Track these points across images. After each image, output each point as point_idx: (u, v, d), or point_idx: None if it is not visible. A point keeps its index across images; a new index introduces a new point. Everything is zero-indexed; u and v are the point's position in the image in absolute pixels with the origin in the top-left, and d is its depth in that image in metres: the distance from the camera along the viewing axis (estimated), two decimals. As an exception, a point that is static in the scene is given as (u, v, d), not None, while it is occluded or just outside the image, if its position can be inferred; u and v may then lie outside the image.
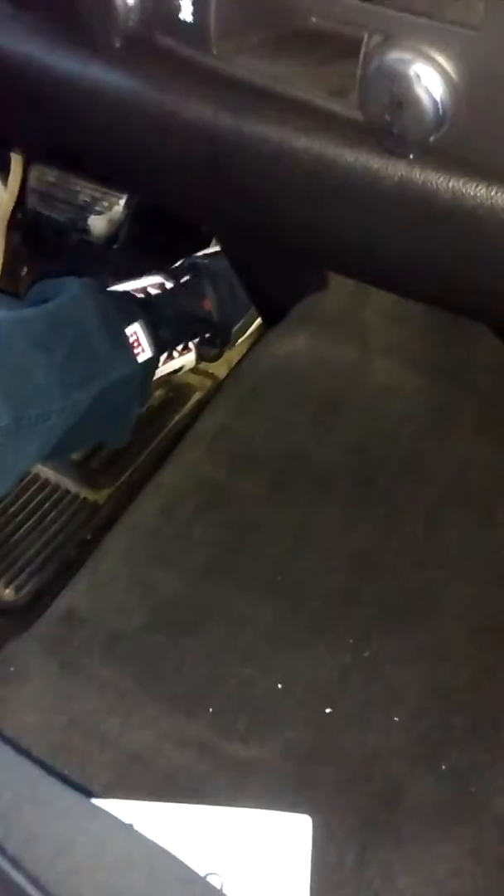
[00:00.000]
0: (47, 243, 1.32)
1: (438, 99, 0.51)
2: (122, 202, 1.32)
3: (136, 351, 1.09)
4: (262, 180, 0.69)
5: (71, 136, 0.83)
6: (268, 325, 1.23)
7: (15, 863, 0.47)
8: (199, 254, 1.27)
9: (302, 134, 0.62)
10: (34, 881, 0.51)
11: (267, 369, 1.12)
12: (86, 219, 1.32)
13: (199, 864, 0.74)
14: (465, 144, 0.56)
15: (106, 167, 0.87)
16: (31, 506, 1.11)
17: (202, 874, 0.70)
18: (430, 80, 0.52)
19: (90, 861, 0.57)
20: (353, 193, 0.63)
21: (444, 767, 0.79)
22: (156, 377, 1.17)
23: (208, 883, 0.65)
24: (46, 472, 1.13)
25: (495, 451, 1.02)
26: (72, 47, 0.73)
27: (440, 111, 0.52)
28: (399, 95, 0.52)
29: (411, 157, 0.56)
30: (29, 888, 0.48)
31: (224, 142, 0.67)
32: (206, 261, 1.24)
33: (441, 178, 0.59)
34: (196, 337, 1.22)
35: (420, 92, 0.52)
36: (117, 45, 0.69)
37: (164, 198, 0.95)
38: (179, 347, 1.21)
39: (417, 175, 0.59)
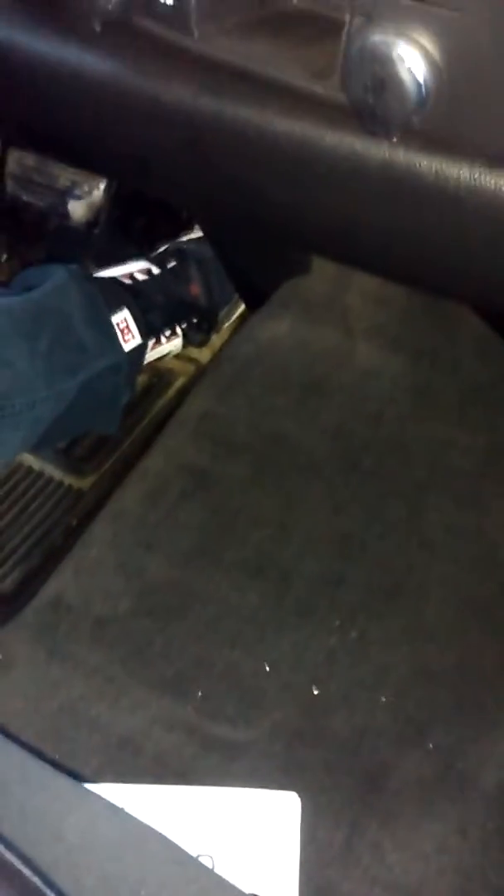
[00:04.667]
0: (27, 229, 1.31)
1: (421, 80, 0.52)
2: (102, 186, 1.32)
3: (125, 338, 1.09)
4: (243, 163, 0.68)
5: (50, 119, 0.83)
6: (251, 309, 1.23)
7: (8, 844, 0.47)
8: (185, 239, 1.26)
9: (284, 116, 0.62)
10: (28, 862, 0.52)
11: (250, 354, 1.12)
12: (66, 203, 1.31)
13: (190, 845, 0.74)
14: (448, 125, 0.56)
15: (85, 151, 0.86)
16: (15, 494, 1.11)
17: (194, 855, 0.71)
18: (412, 60, 0.52)
19: (82, 843, 0.58)
20: (336, 175, 0.63)
21: (430, 746, 0.80)
22: (144, 363, 1.17)
23: (200, 863, 0.66)
24: (31, 460, 1.13)
25: (478, 433, 1.03)
26: (52, 30, 0.73)
27: (423, 92, 0.52)
28: (381, 76, 0.52)
29: (394, 138, 0.56)
30: (23, 868, 0.48)
31: (205, 124, 0.67)
32: (191, 246, 1.24)
33: (424, 160, 0.59)
34: (183, 322, 1.22)
35: (403, 73, 0.52)
36: (97, 28, 0.68)
37: (145, 182, 0.94)
38: (167, 333, 1.20)
39: (400, 156, 0.59)
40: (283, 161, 0.66)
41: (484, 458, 1.01)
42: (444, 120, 0.55)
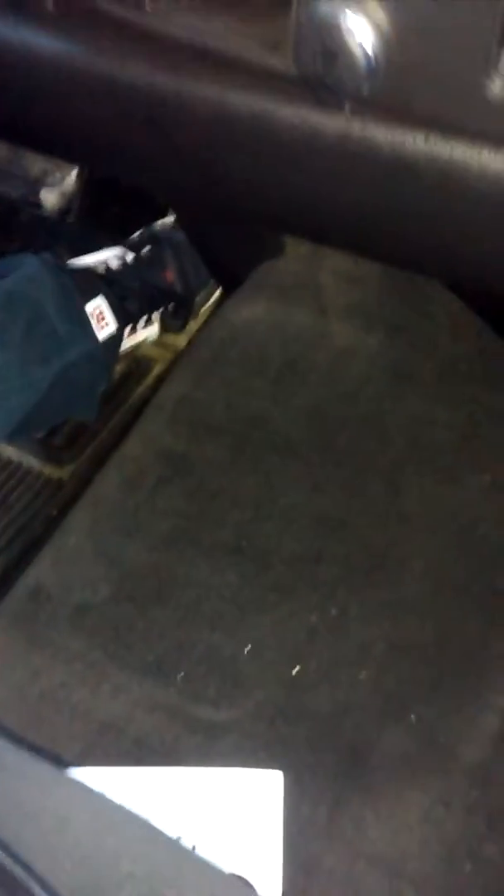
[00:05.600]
0: (-1, 219, 1.30)
1: (369, 48, 0.51)
2: (74, 174, 1.31)
3: (100, 325, 1.09)
4: (202, 140, 0.68)
5: (10, 104, 0.82)
6: (228, 292, 1.22)
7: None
8: (159, 224, 1.26)
9: (239, 90, 0.62)
10: (5, 848, 0.52)
11: (225, 337, 1.12)
12: (37, 193, 1.30)
13: (173, 826, 0.75)
14: (401, 95, 0.56)
15: (48, 137, 0.86)
16: (-7, 485, 1.10)
17: (175, 836, 0.71)
18: (360, 29, 0.52)
19: (58, 826, 0.57)
20: (294, 150, 0.62)
21: (411, 720, 0.81)
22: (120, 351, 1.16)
23: (179, 844, 0.66)
24: (8, 450, 1.13)
25: (454, 410, 1.03)
26: (5, 13, 0.72)
27: (372, 60, 0.52)
28: (330, 46, 0.51)
29: (347, 108, 0.56)
30: (0, 855, 0.48)
31: (162, 102, 0.67)
32: (165, 231, 1.24)
33: (379, 131, 0.59)
34: (159, 308, 1.22)
35: (351, 41, 0.51)
36: (50, 7, 0.67)
37: (111, 166, 0.94)
38: (143, 320, 1.20)
39: (356, 128, 0.59)
40: (242, 137, 0.65)
41: (461, 433, 1.01)
42: (396, 90, 0.55)
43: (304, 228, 0.84)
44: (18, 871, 0.51)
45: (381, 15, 0.53)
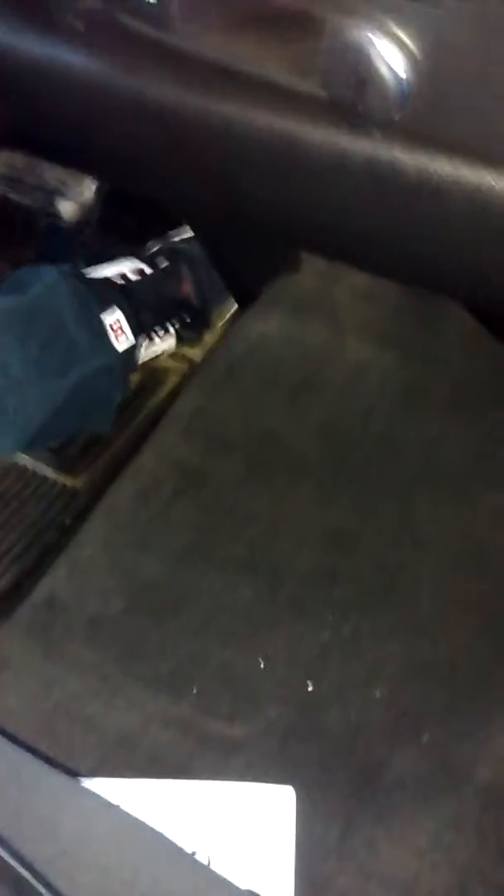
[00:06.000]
0: (17, 230, 1.31)
1: (401, 76, 0.52)
2: (93, 186, 1.32)
3: (118, 338, 1.09)
4: (229, 160, 0.69)
5: (37, 119, 0.83)
6: (243, 306, 1.23)
7: (2, 842, 0.47)
8: (176, 238, 1.26)
9: (268, 113, 0.63)
10: (21, 859, 0.52)
11: (240, 351, 1.12)
12: (56, 203, 1.31)
13: (185, 840, 0.75)
14: (429, 120, 0.56)
15: (73, 150, 0.86)
16: (8, 494, 1.11)
17: (189, 850, 0.71)
18: (392, 57, 0.52)
19: (77, 840, 0.58)
20: (320, 172, 0.63)
21: (424, 740, 0.80)
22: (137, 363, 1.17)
23: (195, 859, 0.66)
24: (24, 459, 1.13)
25: (468, 429, 1.03)
26: (37, 31, 0.73)
27: (403, 88, 0.52)
28: (362, 73, 0.52)
29: (377, 134, 0.56)
30: (17, 866, 0.48)
31: (190, 122, 0.67)
32: (183, 245, 1.24)
33: (407, 156, 0.59)
34: (176, 321, 1.22)
35: (383, 69, 0.52)
36: (81, 27, 0.68)
37: (133, 181, 0.94)
38: (160, 333, 1.21)
39: (383, 153, 0.60)
40: (269, 158, 0.66)
41: (474, 453, 1.01)
42: (424, 115, 0.55)
43: (324, 247, 0.85)
44: (35, 884, 0.51)
45: (412, 41, 0.53)
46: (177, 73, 0.68)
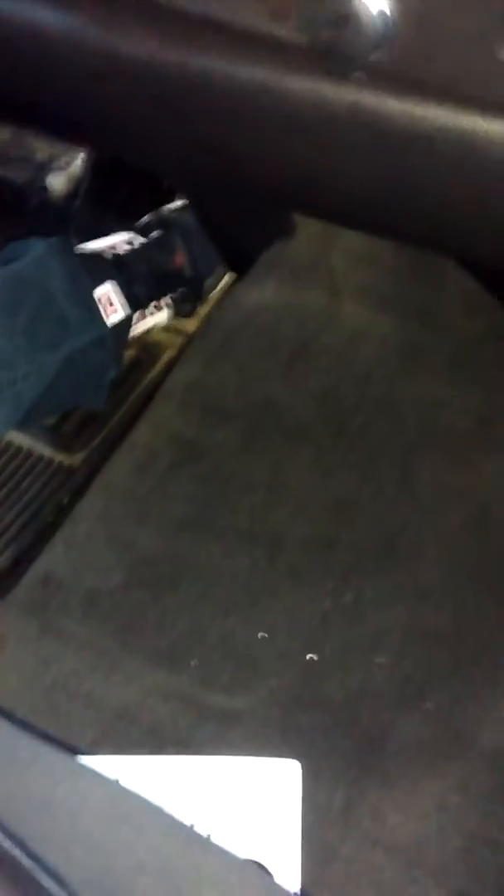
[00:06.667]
0: (6, 204, 1.29)
1: (381, 11, 0.49)
2: (81, 158, 1.29)
3: (109, 311, 1.07)
4: (210, 114, 0.67)
5: (15, 84, 0.80)
6: (238, 274, 1.21)
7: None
8: (167, 208, 1.24)
9: (247, 62, 0.61)
10: (16, 839, 0.51)
11: (236, 320, 1.10)
12: (44, 177, 1.28)
13: (189, 814, 0.74)
14: (415, 63, 0.54)
15: (53, 117, 0.84)
16: (4, 473, 1.09)
17: (191, 824, 0.70)
18: (371, -6, 0.50)
19: (72, 816, 0.57)
20: (304, 122, 0.61)
21: (428, 706, 0.79)
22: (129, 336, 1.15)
23: (194, 831, 0.65)
24: (19, 438, 1.12)
25: (468, 392, 1.01)
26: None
27: (383, 24, 0.50)
28: (340, 10, 0.50)
29: (358, 75, 0.54)
30: (9, 846, 0.47)
31: (169, 76, 0.65)
32: (174, 215, 1.22)
33: (392, 101, 0.57)
34: (169, 293, 1.20)
35: (361, 5, 0.49)
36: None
37: (119, 146, 0.92)
38: (153, 305, 1.19)
39: (368, 99, 0.57)
40: (251, 109, 0.64)
41: (476, 416, 1.00)
42: (408, 57, 0.53)
43: (315, 205, 0.83)
44: (27, 862, 0.50)
45: (392, -20, 0.51)
46: (154, 27, 0.66)
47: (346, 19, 0.50)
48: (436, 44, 0.53)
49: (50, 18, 0.69)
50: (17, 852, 0.50)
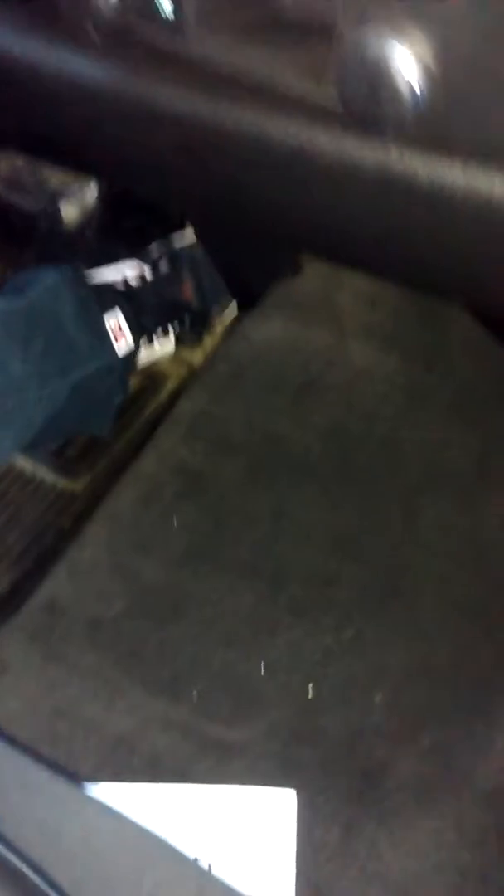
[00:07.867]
0: (17, 232, 1.30)
1: (415, 80, 0.52)
2: (95, 189, 1.31)
3: (118, 340, 1.09)
4: (238, 166, 0.68)
5: (44, 123, 0.82)
6: (244, 309, 1.23)
7: (8, 844, 0.47)
8: (177, 238, 1.26)
9: (279, 119, 0.62)
10: (29, 862, 0.52)
11: (243, 354, 1.12)
12: (56, 206, 1.30)
13: (187, 844, 0.74)
14: (442, 125, 0.56)
15: (79, 154, 0.86)
16: (7, 497, 1.10)
17: (191, 855, 0.71)
18: (405, 63, 0.52)
19: (80, 846, 0.57)
20: (332, 179, 0.63)
21: (426, 744, 0.80)
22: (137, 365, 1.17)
23: (197, 864, 0.66)
24: (22, 462, 1.13)
25: (471, 433, 1.03)
26: (49, 36, 0.72)
27: (416, 94, 0.52)
28: (375, 78, 0.52)
29: (389, 141, 0.56)
30: (24, 868, 0.48)
31: (200, 129, 0.67)
32: (184, 248, 1.24)
33: (419, 163, 0.59)
34: (176, 324, 1.22)
35: (396, 74, 0.52)
36: (97, 38, 0.68)
37: (139, 184, 0.94)
38: (160, 335, 1.20)
39: (396, 160, 0.59)
40: (279, 163, 0.66)
41: (477, 457, 1.01)
42: (437, 120, 0.55)
43: (330, 250, 0.85)
44: (41, 884, 0.51)
45: (424, 45, 0.53)
46: (188, 80, 0.67)
47: (382, 86, 0.52)
48: (464, 112, 0.55)
49: (87, 67, 0.71)
50: (31, 875, 0.51)
